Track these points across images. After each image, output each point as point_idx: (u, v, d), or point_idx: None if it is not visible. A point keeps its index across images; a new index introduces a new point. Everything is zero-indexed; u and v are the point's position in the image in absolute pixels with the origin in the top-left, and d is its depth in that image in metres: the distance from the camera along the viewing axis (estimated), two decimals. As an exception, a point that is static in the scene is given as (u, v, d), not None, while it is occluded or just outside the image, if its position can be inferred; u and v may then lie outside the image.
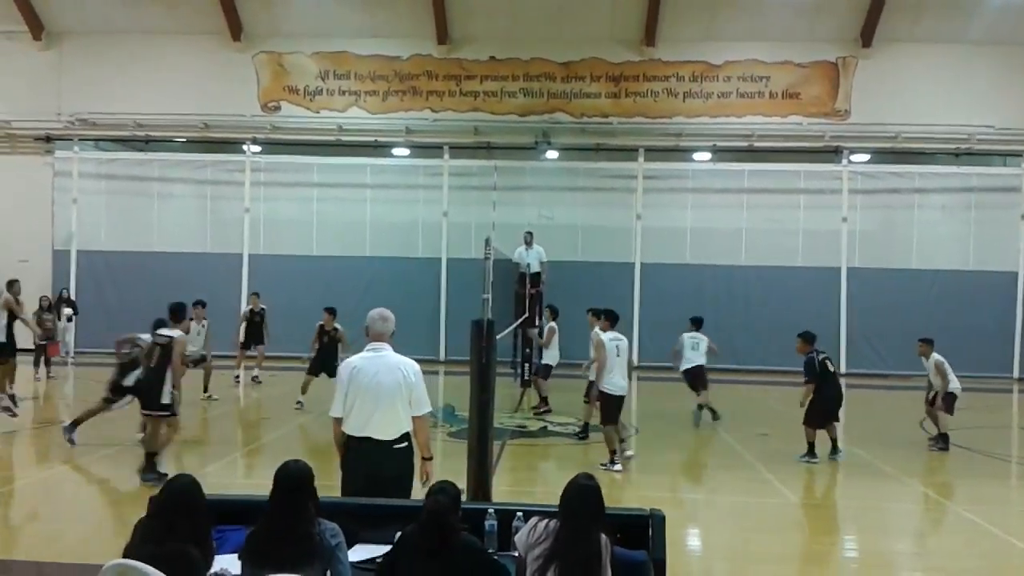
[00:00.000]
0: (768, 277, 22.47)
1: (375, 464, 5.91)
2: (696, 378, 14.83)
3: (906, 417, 15.61)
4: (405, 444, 6.01)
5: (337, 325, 15.76)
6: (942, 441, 12.99)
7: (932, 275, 22.43)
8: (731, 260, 22.77)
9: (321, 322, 15.79)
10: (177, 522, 4.22)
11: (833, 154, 22.88)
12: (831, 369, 12.39)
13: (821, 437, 12.00)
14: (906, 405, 17.00)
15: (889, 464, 11.87)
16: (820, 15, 22.56)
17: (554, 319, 15.29)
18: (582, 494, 4.45)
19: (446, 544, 4.25)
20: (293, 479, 4.39)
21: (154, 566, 4.02)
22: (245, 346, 18.73)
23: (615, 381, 11.15)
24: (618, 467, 10.93)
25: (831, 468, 11.73)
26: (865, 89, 22.75)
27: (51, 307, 19.20)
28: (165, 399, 9.63)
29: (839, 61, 22.95)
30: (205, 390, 16.06)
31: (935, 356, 13.31)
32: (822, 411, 12.10)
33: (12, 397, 13.39)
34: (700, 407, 14.74)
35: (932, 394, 13.27)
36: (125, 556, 4.16)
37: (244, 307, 19.81)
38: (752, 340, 21.69)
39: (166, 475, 9.31)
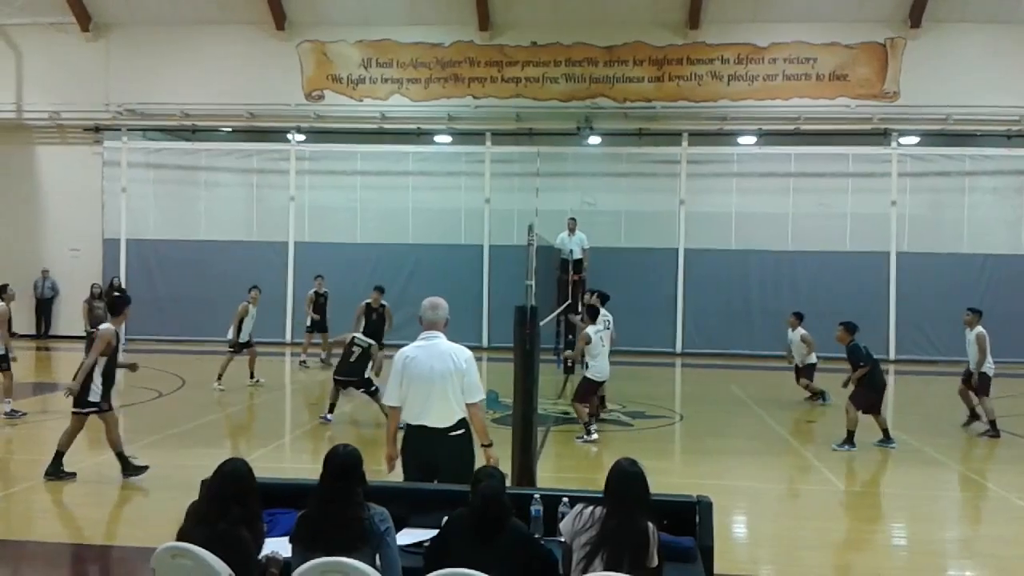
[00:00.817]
0: (815, 262, 22.15)
1: (432, 451, 5.97)
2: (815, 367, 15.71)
3: (956, 404, 15.34)
4: (462, 431, 6.06)
5: (384, 302, 15.95)
6: (992, 428, 12.76)
7: (983, 259, 21.98)
8: (777, 245, 22.48)
9: (368, 300, 15.99)
10: (229, 505, 4.29)
11: (882, 137, 22.48)
12: (874, 357, 12.27)
13: (864, 424, 11.86)
14: (955, 392, 16.72)
15: (938, 451, 11.70)
16: (868, -5, 22.18)
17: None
18: (627, 480, 4.44)
19: (501, 529, 4.26)
20: (342, 463, 4.44)
21: (207, 548, 4.10)
22: (311, 330, 19.10)
23: (600, 367, 12.10)
24: (595, 436, 11.83)
25: (878, 455, 11.58)
26: (914, 70, 22.30)
27: (101, 295, 19.55)
28: (92, 396, 9.21)
29: (887, 42, 22.52)
30: (252, 376, 16.28)
31: (979, 328, 13.11)
32: (872, 397, 11.96)
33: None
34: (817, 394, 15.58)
35: (967, 374, 13.17)
36: (179, 539, 4.25)
37: (308, 291, 19.77)
38: (798, 326, 21.47)
39: (145, 467, 9.43)
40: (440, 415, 5.96)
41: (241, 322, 16.11)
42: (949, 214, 22.46)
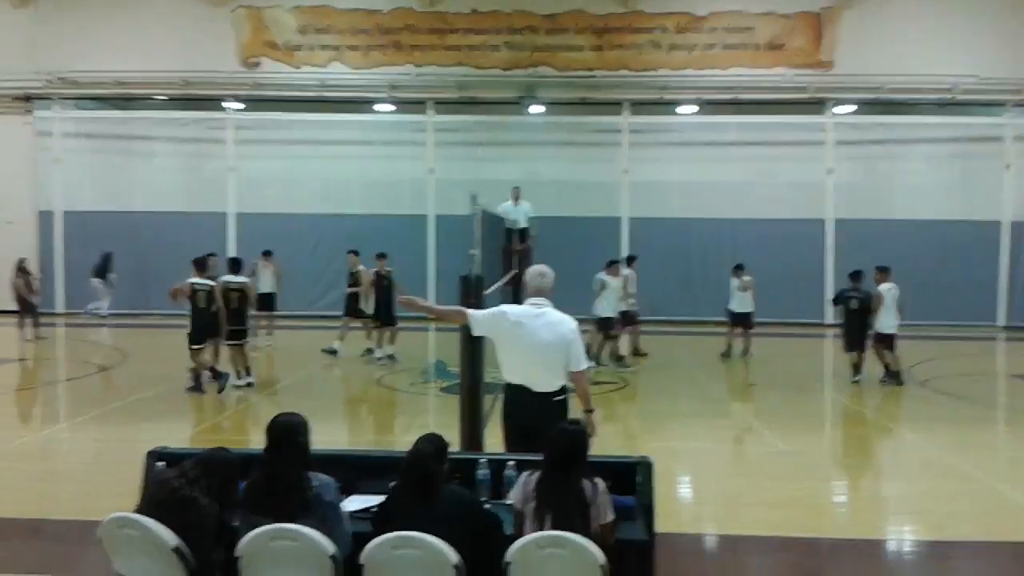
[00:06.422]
0: (754, 230, 22.41)
1: (532, 414, 5.95)
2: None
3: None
4: (563, 396, 6.09)
5: (389, 268, 15.85)
6: (894, 378, 13.58)
7: (917, 225, 22.45)
8: (717, 213, 22.72)
9: (376, 268, 15.84)
10: (202, 481, 4.32)
11: (818, 106, 22.81)
12: (852, 307, 13.50)
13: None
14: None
15: (876, 412, 12.04)
16: (805, -36, 22.38)
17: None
18: (558, 438, 4.55)
19: (431, 492, 4.31)
20: (283, 431, 4.44)
21: (164, 507, 4.13)
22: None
23: None
24: None
25: (818, 416, 11.89)
26: (849, 40, 22.60)
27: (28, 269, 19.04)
28: None
29: (823, 12, 22.77)
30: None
31: (884, 285, 13.68)
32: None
33: None
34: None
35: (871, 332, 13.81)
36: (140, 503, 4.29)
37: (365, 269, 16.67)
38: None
39: None
40: (544, 382, 6.01)
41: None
42: (883, 181, 22.92)
